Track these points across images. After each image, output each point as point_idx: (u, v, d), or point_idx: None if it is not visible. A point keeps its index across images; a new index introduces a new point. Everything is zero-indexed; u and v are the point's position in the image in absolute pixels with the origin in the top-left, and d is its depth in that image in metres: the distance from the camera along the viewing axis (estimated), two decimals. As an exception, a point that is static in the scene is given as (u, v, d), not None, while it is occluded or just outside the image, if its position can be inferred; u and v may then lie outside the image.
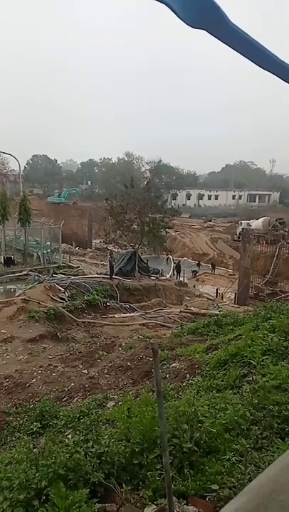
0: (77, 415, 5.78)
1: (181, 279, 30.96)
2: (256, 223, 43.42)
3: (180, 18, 0.59)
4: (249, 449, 3.56)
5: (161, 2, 0.57)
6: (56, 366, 10.28)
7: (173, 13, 0.57)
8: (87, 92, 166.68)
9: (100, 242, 37.49)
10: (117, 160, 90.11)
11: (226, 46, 0.62)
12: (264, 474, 0.44)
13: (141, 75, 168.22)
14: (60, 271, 23.78)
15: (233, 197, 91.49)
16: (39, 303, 15.83)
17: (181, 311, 17.79)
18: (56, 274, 22.67)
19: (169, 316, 17.07)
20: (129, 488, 3.21)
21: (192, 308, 18.76)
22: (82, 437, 3.90)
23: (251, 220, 47.25)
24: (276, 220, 44.07)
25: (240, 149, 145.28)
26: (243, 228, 38.47)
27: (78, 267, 26.80)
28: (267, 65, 0.70)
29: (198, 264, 39.27)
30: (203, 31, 0.60)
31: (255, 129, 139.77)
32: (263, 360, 5.42)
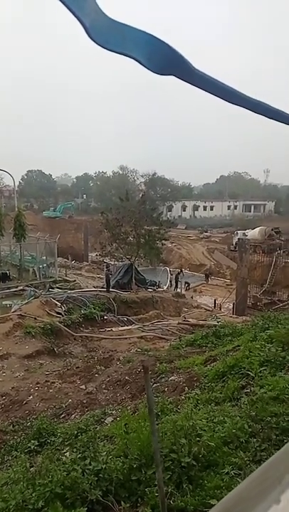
0: (75, 432, 5.72)
1: (179, 290, 30.94)
2: (252, 233, 43.64)
3: (147, 68, 0.65)
4: (248, 461, 3.55)
5: (129, 57, 0.63)
6: (53, 382, 10.18)
7: (140, 65, 0.63)
8: (82, 107, 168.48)
9: (96, 255, 37.49)
10: (112, 173, 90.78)
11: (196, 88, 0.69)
12: (234, 489, 0.47)
13: (135, 89, 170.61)
14: (57, 285, 23.71)
15: (229, 207, 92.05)
16: (35, 318, 15.73)
17: (179, 323, 17.71)
18: (52, 288, 22.61)
19: (167, 328, 16.99)
20: (128, 505, 3.18)
21: (190, 319, 18.69)
22: (80, 455, 3.88)
23: (247, 230, 47.46)
24: (272, 230, 44.34)
25: (235, 161, 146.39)
26: (239, 238, 38.58)
27: (75, 280, 26.73)
28: (233, 101, 0.76)
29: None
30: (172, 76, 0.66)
31: (249, 140, 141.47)
32: (260, 372, 5.43)
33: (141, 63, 0.63)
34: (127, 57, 0.61)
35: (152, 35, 0.62)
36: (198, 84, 0.68)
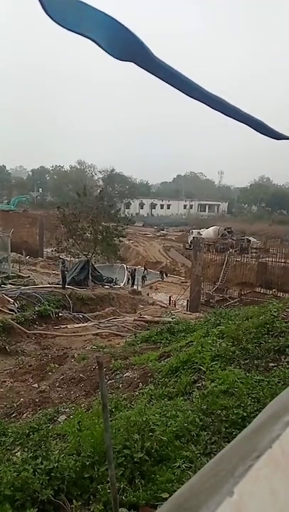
0: (27, 431, 5.56)
1: (136, 287, 31.10)
2: (206, 232, 44.95)
3: (106, 52, 0.63)
4: (198, 454, 3.64)
5: (88, 38, 0.60)
6: (4, 381, 9.85)
7: (100, 48, 0.61)
8: (43, 96, 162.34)
9: (52, 250, 36.65)
10: (69, 168, 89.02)
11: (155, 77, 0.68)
12: (185, 484, 0.47)
13: (97, 86, 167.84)
14: (9, 281, 22.88)
15: (185, 206, 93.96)
16: (-14, 315, 15.09)
17: (134, 320, 17.81)
18: (5, 284, 21.78)
19: (123, 324, 17.01)
20: (80, 503, 3.15)
21: (146, 316, 18.85)
22: (31, 454, 3.77)
23: (202, 229, 48.79)
24: (225, 229, 45.99)
25: (191, 161, 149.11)
26: (194, 237, 39.50)
27: (29, 276, 25.96)
28: (193, 94, 0.76)
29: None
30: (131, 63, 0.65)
31: (207, 142, 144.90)
32: (212, 366, 5.58)
33: (100, 46, 0.61)
34: (87, 39, 0.59)
35: (113, 18, 0.60)
36: (157, 73, 0.67)
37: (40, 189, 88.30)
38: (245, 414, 4.08)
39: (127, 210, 72.40)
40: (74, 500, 3.18)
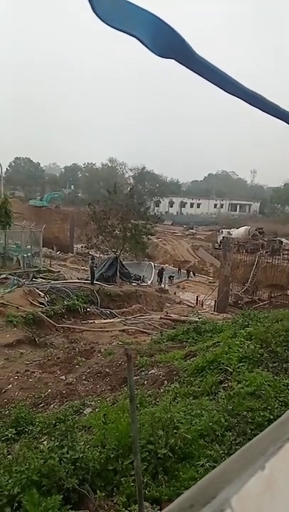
0: (53, 422, 5.72)
1: (163, 285, 31.11)
2: (237, 232, 44.24)
3: (149, 49, 0.65)
4: (223, 454, 3.61)
5: (131, 35, 0.63)
6: (33, 372, 10.13)
7: (143, 45, 0.63)
8: (75, 94, 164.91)
9: (82, 247, 37.30)
10: (100, 165, 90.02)
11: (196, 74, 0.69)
12: (216, 467, 0.49)
13: (132, 78, 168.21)
14: (40, 275, 23.48)
15: (215, 205, 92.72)
16: (18, 307, 15.57)
17: (161, 318, 17.83)
18: (36, 278, 22.37)
19: (149, 322, 17.07)
20: (103, 494, 3.21)
21: (172, 314, 18.82)
22: (57, 443, 3.87)
23: (232, 229, 48.07)
24: (256, 230, 45.07)
25: (223, 160, 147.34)
26: (223, 237, 38.97)
27: (59, 271, 26.54)
28: (232, 91, 0.77)
29: (178, 269, 40.13)
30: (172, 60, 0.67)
31: (239, 141, 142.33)
32: (238, 367, 5.52)
33: (143, 43, 0.63)
34: (131, 37, 0.61)
35: (156, 16, 0.62)
36: (197, 70, 0.69)
37: (72, 186, 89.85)
38: (272, 417, 4.01)
39: (156, 209, 72.41)
40: (98, 491, 3.25)
